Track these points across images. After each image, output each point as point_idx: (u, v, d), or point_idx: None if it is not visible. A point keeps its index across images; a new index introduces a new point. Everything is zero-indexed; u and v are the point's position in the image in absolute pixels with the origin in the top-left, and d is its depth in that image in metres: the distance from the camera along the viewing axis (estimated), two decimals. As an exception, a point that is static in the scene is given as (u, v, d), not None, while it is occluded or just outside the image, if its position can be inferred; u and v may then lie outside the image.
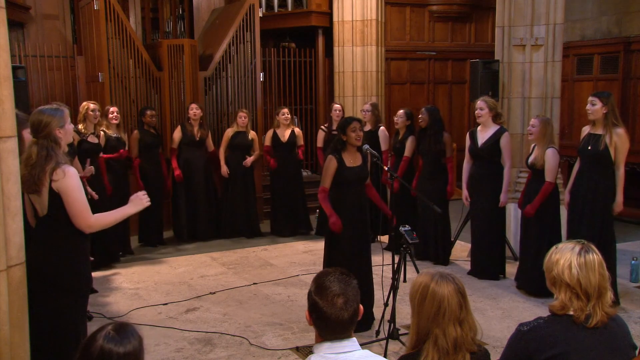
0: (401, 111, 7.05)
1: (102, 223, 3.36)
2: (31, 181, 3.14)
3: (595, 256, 2.34)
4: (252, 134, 7.92)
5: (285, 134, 7.88)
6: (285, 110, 7.95)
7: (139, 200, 3.46)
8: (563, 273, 2.32)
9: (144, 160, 7.27)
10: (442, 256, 6.63)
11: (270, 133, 8.00)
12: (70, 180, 3.19)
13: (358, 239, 4.85)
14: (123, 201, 3.60)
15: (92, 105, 6.35)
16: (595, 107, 5.13)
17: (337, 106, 7.91)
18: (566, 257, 2.34)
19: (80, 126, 6.23)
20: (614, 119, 5.11)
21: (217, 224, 7.96)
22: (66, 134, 3.37)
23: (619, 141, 5.08)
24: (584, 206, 5.31)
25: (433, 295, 2.20)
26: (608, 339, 2.34)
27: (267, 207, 8.51)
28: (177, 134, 7.63)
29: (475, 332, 2.25)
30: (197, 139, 7.60)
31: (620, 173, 5.16)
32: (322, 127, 8.11)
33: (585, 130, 5.39)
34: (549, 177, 5.49)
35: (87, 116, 6.27)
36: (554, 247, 2.43)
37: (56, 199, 3.20)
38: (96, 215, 3.33)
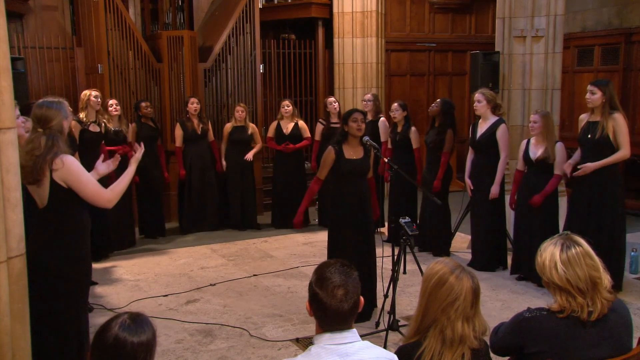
0: (395, 104, 7.02)
1: (119, 192, 3.41)
2: (34, 171, 3.16)
3: (578, 248, 2.32)
4: (251, 127, 7.90)
5: (288, 127, 7.87)
6: (286, 102, 7.92)
7: (135, 157, 3.65)
8: (552, 275, 2.31)
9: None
10: (442, 247, 6.63)
11: (274, 124, 7.98)
12: (72, 167, 3.22)
13: (358, 230, 4.86)
14: (125, 191, 3.63)
15: (94, 93, 6.35)
16: (594, 96, 5.13)
17: (331, 99, 7.95)
18: (550, 257, 2.33)
19: (81, 115, 6.22)
20: (611, 106, 5.10)
21: (225, 216, 8.00)
22: (68, 125, 3.45)
23: (616, 125, 5.06)
24: (590, 198, 5.26)
25: (450, 288, 2.19)
26: (609, 333, 2.34)
27: (268, 199, 8.52)
28: (179, 131, 7.61)
29: (483, 332, 2.25)
30: (199, 132, 7.61)
31: (622, 154, 5.07)
32: (320, 120, 8.12)
33: (584, 118, 5.37)
34: (558, 170, 5.50)
35: (89, 103, 6.26)
36: (540, 248, 2.41)
37: (57, 189, 3.21)
38: (110, 188, 3.39)
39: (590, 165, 5.17)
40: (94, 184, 3.29)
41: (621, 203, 5.27)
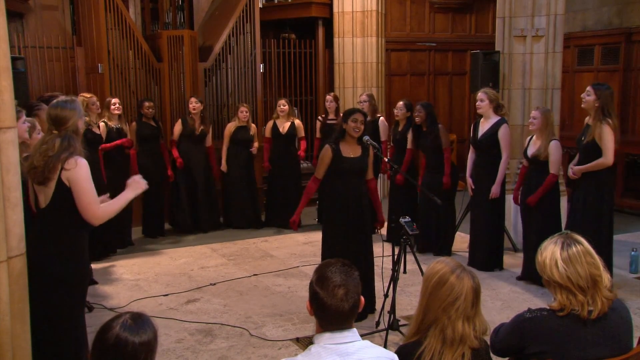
0: (401, 103, 7.03)
1: (108, 213, 3.33)
2: (45, 170, 3.14)
3: (579, 247, 2.33)
4: (253, 128, 7.91)
5: (284, 126, 7.86)
6: (282, 101, 7.92)
7: (137, 184, 3.48)
8: (552, 273, 2.32)
9: (142, 152, 7.25)
10: (443, 247, 6.62)
11: (270, 124, 7.98)
12: (81, 171, 3.19)
13: (354, 231, 4.84)
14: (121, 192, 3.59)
15: (93, 98, 6.37)
16: (589, 97, 5.18)
17: (328, 97, 7.97)
18: (550, 255, 2.34)
19: (86, 118, 6.22)
20: (604, 112, 5.12)
21: (225, 216, 7.97)
22: (83, 124, 3.42)
23: (602, 133, 5.09)
24: (581, 198, 5.32)
25: (451, 287, 2.20)
26: (609, 333, 2.34)
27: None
28: (178, 126, 7.62)
29: (483, 331, 2.25)
30: (198, 133, 7.58)
31: (602, 161, 5.12)
32: (319, 117, 8.12)
33: (587, 121, 5.41)
34: (553, 169, 5.50)
35: (90, 109, 6.27)
36: (540, 247, 2.42)
37: (63, 190, 3.19)
38: (103, 206, 3.33)
39: (576, 168, 5.31)
40: (92, 196, 3.24)
41: (607, 208, 5.29)
